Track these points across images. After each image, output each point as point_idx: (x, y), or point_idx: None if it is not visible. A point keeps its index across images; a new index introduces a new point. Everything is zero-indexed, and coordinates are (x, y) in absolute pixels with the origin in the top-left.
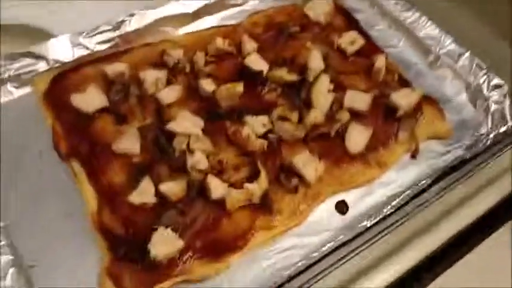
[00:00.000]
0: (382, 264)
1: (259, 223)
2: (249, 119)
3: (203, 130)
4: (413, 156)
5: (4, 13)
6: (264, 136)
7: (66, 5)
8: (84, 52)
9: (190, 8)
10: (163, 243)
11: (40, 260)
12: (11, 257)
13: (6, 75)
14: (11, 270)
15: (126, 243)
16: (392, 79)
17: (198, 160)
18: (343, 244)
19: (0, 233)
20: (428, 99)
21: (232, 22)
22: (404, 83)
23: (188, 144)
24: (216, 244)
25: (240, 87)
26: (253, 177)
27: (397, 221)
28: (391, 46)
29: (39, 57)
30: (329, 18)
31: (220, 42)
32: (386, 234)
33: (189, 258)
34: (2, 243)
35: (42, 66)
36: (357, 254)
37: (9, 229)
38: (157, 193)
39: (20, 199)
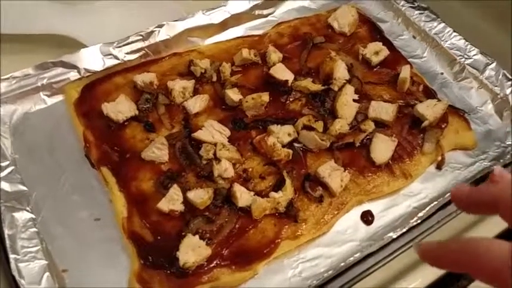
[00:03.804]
0: (407, 276)
1: (285, 232)
2: (274, 128)
3: (229, 139)
4: (439, 167)
5: (34, 24)
6: (289, 145)
7: (97, 16)
8: (114, 62)
9: (217, 19)
10: (192, 250)
11: (72, 264)
12: (45, 262)
13: (39, 84)
14: (46, 274)
15: (155, 250)
16: (417, 89)
17: (225, 168)
18: (370, 255)
19: (35, 238)
20: (453, 110)
21: (258, 32)
22: (429, 93)
23: (215, 153)
24: (243, 252)
25: (265, 97)
26: (278, 186)
27: (422, 233)
28: (416, 56)
29: (70, 66)
30: (353, 29)
31: (246, 53)
32: (411, 246)
33: (216, 265)
34: (37, 248)
35: (73, 75)
36: (383, 265)
37: (43, 234)
38: (185, 201)
39: (51, 206)
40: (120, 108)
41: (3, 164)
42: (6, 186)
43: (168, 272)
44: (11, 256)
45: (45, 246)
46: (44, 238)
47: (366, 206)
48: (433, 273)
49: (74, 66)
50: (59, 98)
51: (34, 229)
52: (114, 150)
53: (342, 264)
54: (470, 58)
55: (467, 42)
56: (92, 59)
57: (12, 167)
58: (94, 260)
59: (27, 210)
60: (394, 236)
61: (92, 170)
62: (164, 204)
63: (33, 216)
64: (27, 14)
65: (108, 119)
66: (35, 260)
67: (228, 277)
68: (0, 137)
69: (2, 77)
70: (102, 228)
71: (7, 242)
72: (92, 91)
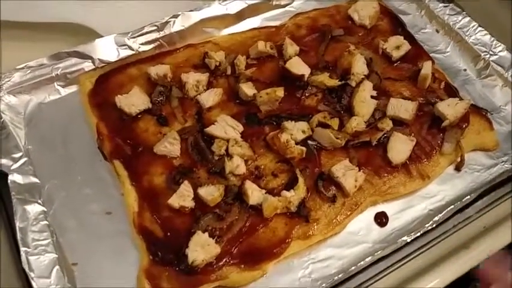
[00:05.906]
0: (419, 278)
1: (295, 232)
2: (288, 124)
3: (242, 134)
4: (458, 168)
5: (51, 11)
6: (303, 143)
7: (111, 5)
8: (129, 52)
9: (234, 9)
10: (201, 248)
11: (81, 258)
12: (55, 256)
13: (53, 74)
14: (55, 268)
15: (164, 246)
16: (438, 86)
17: (237, 165)
18: (381, 259)
19: (46, 231)
20: (475, 109)
21: (275, 23)
22: (451, 91)
23: (227, 149)
24: (253, 251)
25: (280, 92)
26: (291, 184)
27: (437, 237)
28: (438, 51)
29: (85, 56)
30: (374, 21)
31: (262, 45)
32: (425, 250)
33: (225, 263)
34: (48, 240)
35: (88, 65)
36: (395, 269)
37: (54, 227)
38: (196, 197)
39: (63, 199)
40: (134, 100)
41: (16, 156)
42: (19, 178)
43: (177, 268)
44: (22, 249)
45: (56, 239)
46: (54, 231)
47: (380, 207)
48: (446, 276)
49: (88, 57)
50: (73, 88)
51: (45, 222)
52: (127, 143)
53: (353, 267)
54: (496, 54)
55: (493, 38)
56: (107, 50)
57: (25, 159)
58: (104, 253)
59: (39, 203)
60: (408, 240)
61: (105, 162)
62: (175, 200)
63: (45, 209)
64: (42, 2)
65: (122, 111)
66: (45, 253)
67: (237, 276)
68: (14, 128)
69: (17, 67)
70: (113, 222)
71: (18, 234)
72: (106, 82)
